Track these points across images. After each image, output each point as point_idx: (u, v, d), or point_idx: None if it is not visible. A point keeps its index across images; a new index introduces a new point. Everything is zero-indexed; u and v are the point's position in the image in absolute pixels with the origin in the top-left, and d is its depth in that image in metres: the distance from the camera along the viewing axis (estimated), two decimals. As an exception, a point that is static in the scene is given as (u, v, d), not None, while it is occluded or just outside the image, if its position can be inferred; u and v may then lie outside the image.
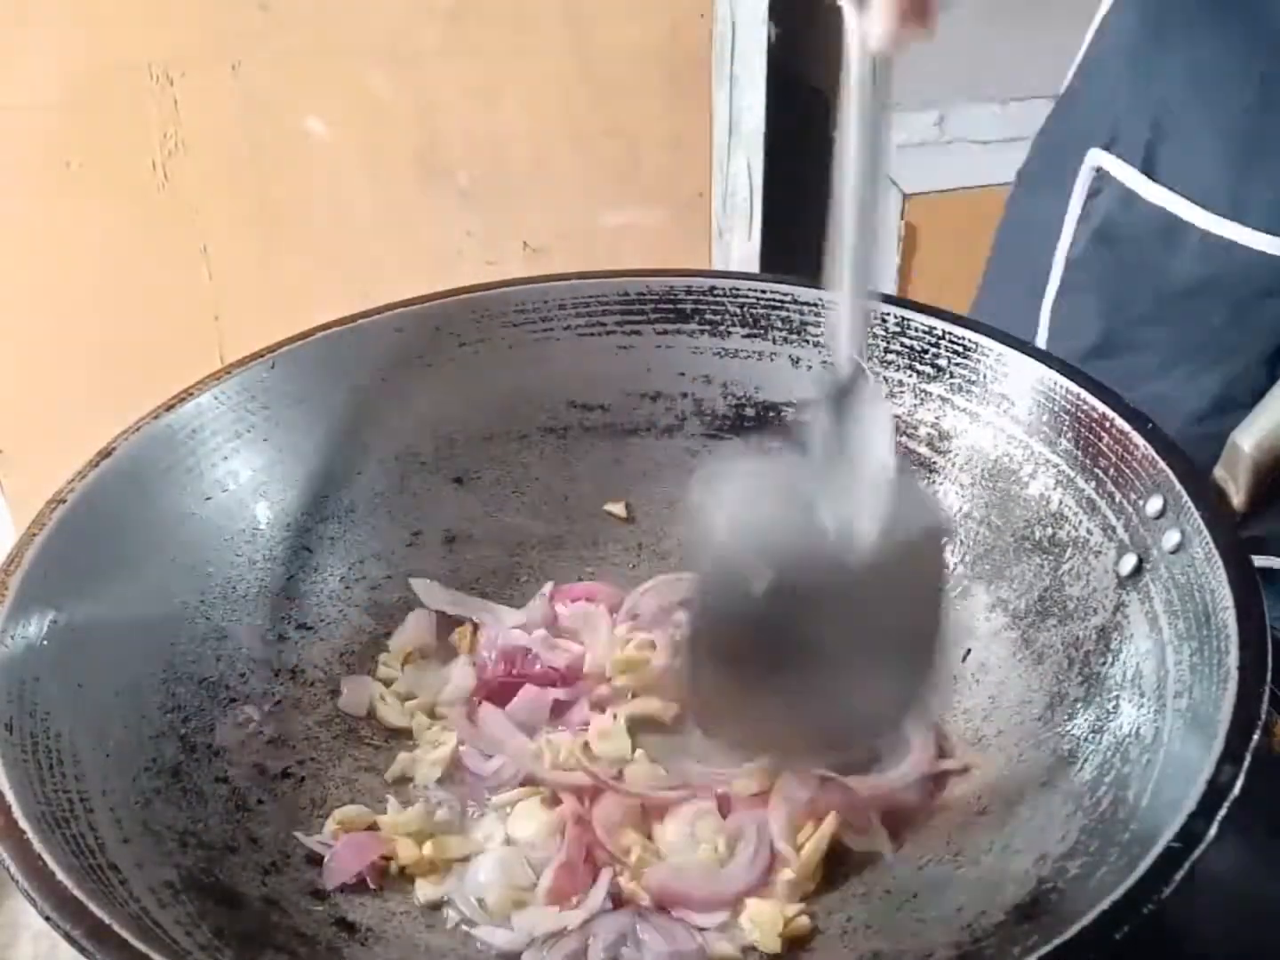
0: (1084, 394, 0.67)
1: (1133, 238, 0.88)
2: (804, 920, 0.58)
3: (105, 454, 0.66)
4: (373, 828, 0.63)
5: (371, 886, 0.60)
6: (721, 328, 0.78)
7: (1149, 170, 0.87)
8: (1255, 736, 0.49)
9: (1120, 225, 0.89)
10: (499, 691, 0.70)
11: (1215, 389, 0.86)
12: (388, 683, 0.71)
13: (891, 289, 1.83)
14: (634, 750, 0.67)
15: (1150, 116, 0.86)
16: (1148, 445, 0.63)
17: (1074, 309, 0.92)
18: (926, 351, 0.74)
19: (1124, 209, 0.89)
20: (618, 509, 0.79)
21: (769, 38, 1.62)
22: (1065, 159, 0.93)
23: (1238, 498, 0.59)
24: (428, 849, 0.61)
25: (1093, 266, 0.92)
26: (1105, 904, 0.45)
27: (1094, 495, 0.66)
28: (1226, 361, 0.85)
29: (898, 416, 0.75)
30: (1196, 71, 0.83)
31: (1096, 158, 0.90)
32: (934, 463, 0.74)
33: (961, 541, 0.73)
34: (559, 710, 0.70)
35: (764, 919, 0.58)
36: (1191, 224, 0.84)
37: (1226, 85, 0.82)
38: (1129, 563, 0.62)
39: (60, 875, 0.48)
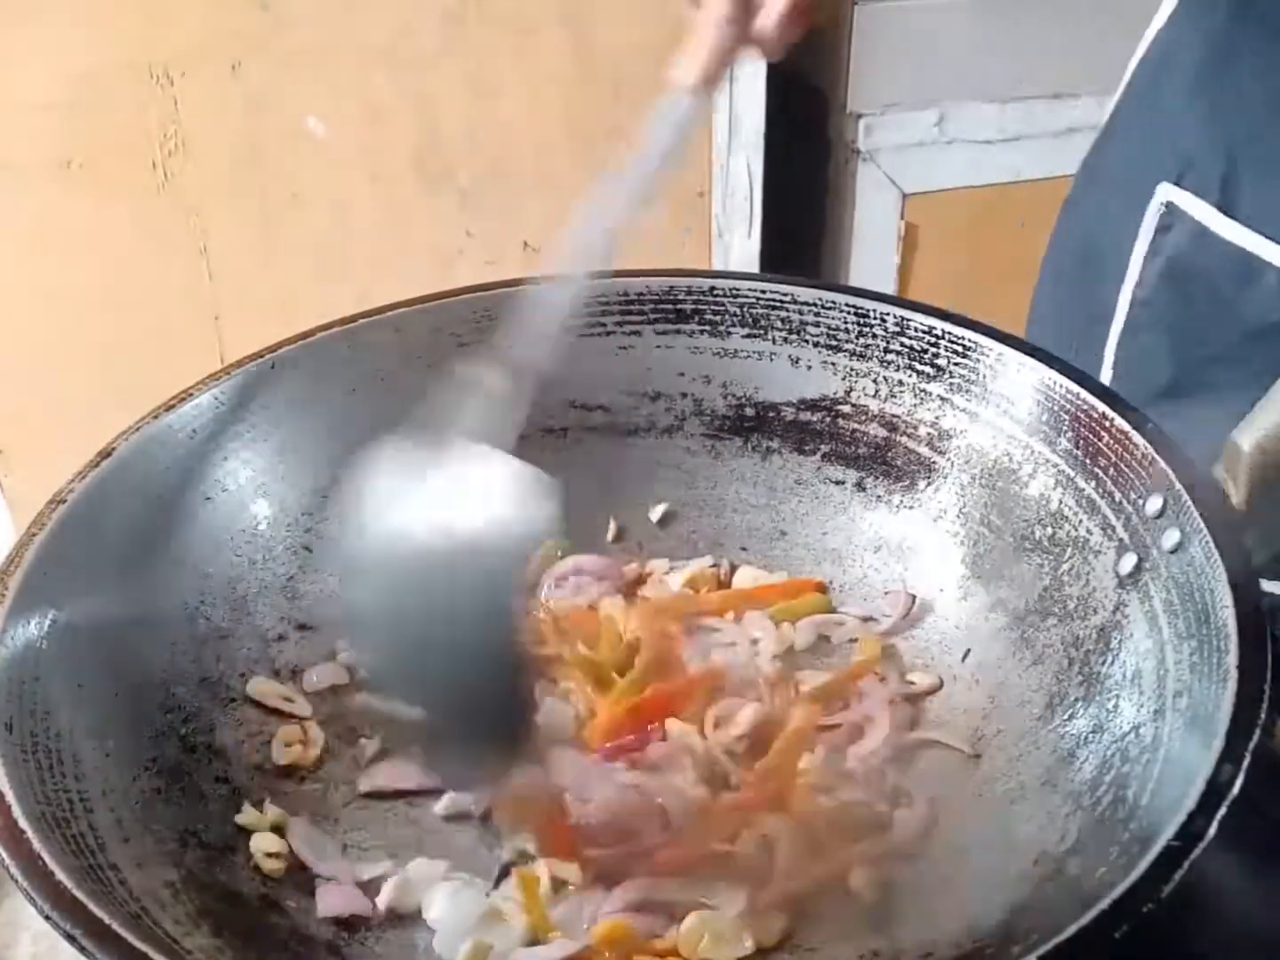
0: (1084, 393, 0.67)
1: (1206, 276, 0.84)
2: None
3: (105, 454, 0.66)
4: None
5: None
6: (721, 328, 0.78)
7: (1225, 206, 0.82)
8: (1255, 736, 0.49)
9: (1194, 263, 0.84)
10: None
11: None
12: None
13: (891, 289, 1.83)
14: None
15: (1224, 149, 0.81)
16: (1147, 445, 0.63)
17: (1143, 348, 0.88)
18: (926, 351, 0.74)
19: (1197, 246, 0.84)
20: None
21: (769, 38, 1.61)
22: (1127, 190, 0.88)
23: (1237, 497, 0.59)
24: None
25: (1162, 305, 0.87)
26: (1105, 903, 0.45)
27: (1094, 495, 0.66)
28: None
29: (897, 416, 0.75)
30: (1266, 104, 0.79)
31: (1166, 192, 0.85)
32: (934, 462, 0.74)
33: (962, 542, 0.73)
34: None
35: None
36: (1270, 263, 0.79)
37: None
38: (1129, 562, 0.62)
39: (60, 875, 0.48)
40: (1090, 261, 0.94)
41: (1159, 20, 0.88)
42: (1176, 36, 0.86)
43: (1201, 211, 0.82)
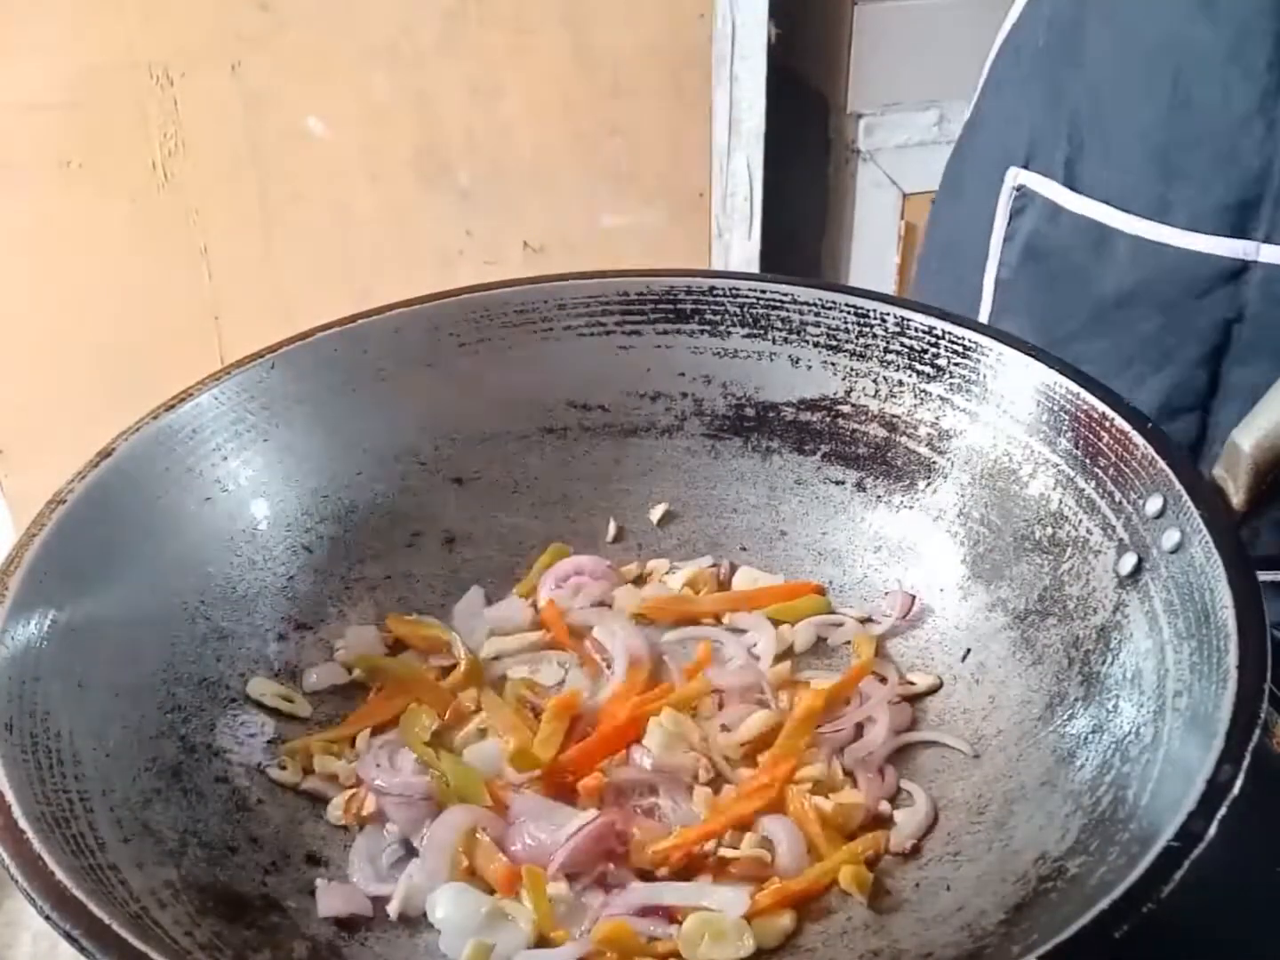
0: (1083, 393, 0.67)
1: (1061, 251, 0.88)
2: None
3: (105, 454, 0.66)
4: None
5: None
6: (721, 328, 0.78)
7: (1071, 183, 0.87)
8: (1255, 736, 0.49)
9: (1048, 240, 0.89)
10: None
11: (1157, 397, 0.86)
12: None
13: (891, 289, 1.83)
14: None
15: (1067, 129, 0.87)
16: (1147, 445, 0.63)
17: (1009, 329, 0.91)
18: (926, 351, 0.74)
19: (1050, 223, 0.89)
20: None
21: (769, 38, 1.62)
22: (983, 179, 0.93)
23: (1237, 498, 0.59)
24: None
25: (1022, 285, 0.92)
26: (1105, 903, 0.45)
27: (1094, 495, 0.66)
28: (1165, 368, 0.86)
29: (897, 416, 0.75)
30: (1109, 81, 0.84)
31: (1016, 176, 0.90)
32: (934, 462, 0.74)
33: (962, 542, 0.73)
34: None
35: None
36: (1119, 230, 0.84)
37: (1139, 90, 0.82)
38: (1129, 562, 0.62)
39: (60, 875, 0.48)
40: (954, 251, 1.00)
41: (1013, 14, 0.94)
42: (1023, 26, 0.92)
43: (1050, 190, 0.88)
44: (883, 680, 0.69)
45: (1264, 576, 0.57)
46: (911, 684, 0.70)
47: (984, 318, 0.94)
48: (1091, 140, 0.86)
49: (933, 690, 0.70)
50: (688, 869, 0.60)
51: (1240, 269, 0.83)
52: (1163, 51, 0.81)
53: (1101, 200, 0.85)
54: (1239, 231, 0.82)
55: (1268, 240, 0.81)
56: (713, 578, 0.77)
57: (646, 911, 0.58)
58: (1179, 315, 0.84)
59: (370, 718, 0.68)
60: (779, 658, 0.71)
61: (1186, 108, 0.81)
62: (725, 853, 0.60)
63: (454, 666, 0.70)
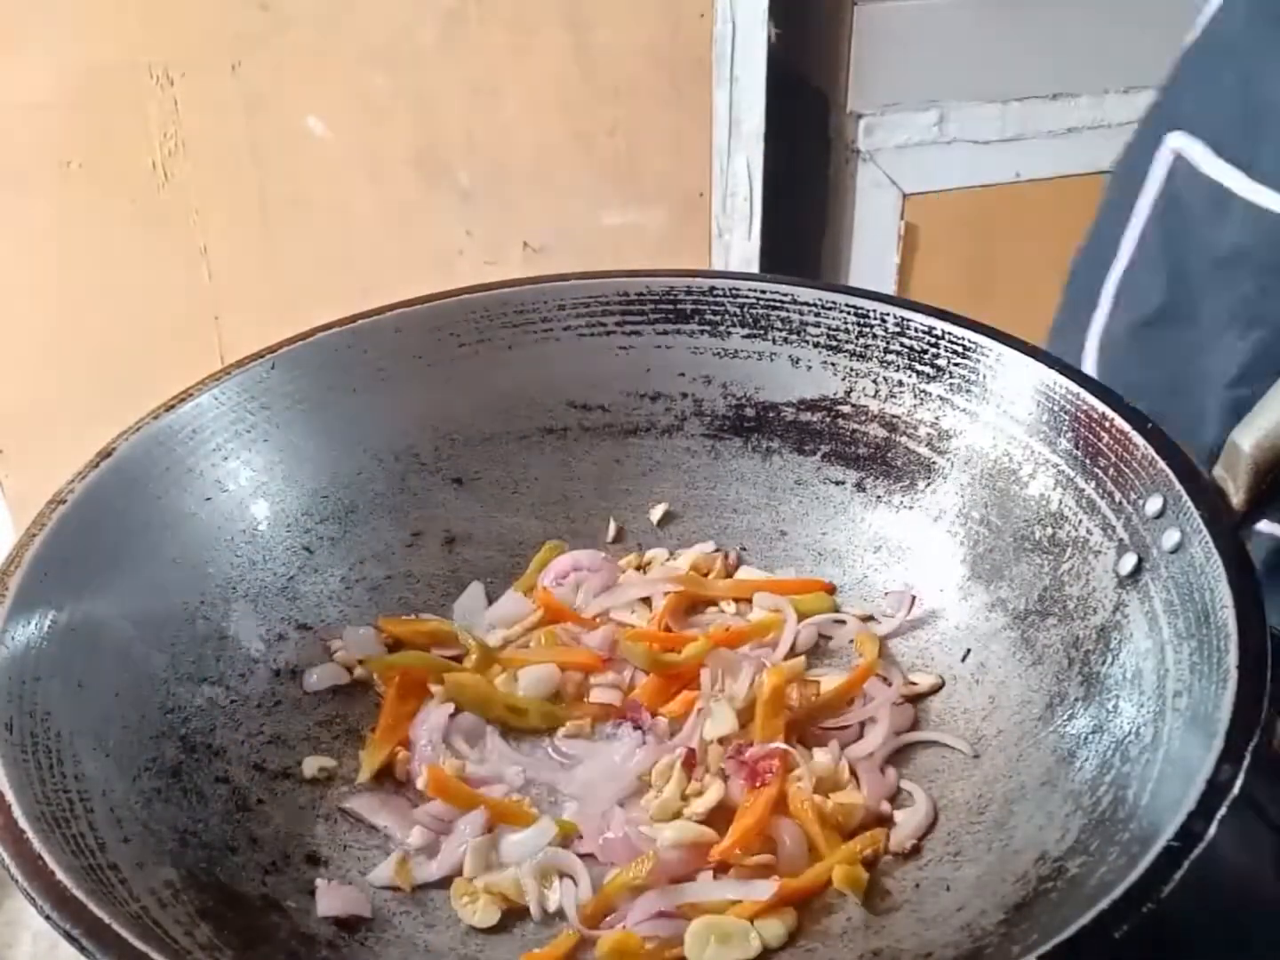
0: (1084, 394, 0.67)
1: (1191, 209, 0.91)
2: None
3: (105, 454, 0.66)
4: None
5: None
6: (721, 328, 0.78)
7: (1216, 147, 0.89)
8: (1255, 736, 0.49)
9: (1184, 197, 0.92)
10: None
11: (1244, 357, 0.87)
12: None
13: (891, 289, 1.83)
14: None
15: (1223, 99, 0.89)
16: (1147, 445, 0.63)
17: (1142, 281, 0.96)
18: (926, 351, 0.74)
19: (1188, 182, 0.91)
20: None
21: (769, 38, 1.62)
22: (1146, 142, 0.96)
23: (1237, 497, 0.59)
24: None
25: (1159, 239, 0.95)
26: (1105, 903, 0.45)
27: (1094, 495, 0.66)
28: (1256, 329, 0.87)
29: (897, 416, 0.75)
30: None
31: (1175, 140, 0.92)
32: (934, 463, 0.74)
33: (962, 542, 0.73)
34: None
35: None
36: (1237, 194, 0.86)
37: None
38: (1129, 562, 0.62)
39: (60, 875, 0.48)
40: (1109, 207, 1.02)
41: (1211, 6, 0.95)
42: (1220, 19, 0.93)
43: (1195, 151, 0.90)
44: (887, 682, 0.69)
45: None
46: (914, 684, 0.70)
47: (1119, 268, 0.98)
48: (1242, 112, 0.88)
49: (934, 690, 0.70)
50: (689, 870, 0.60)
51: None
52: None
53: (1233, 163, 0.87)
54: None
55: None
56: (719, 560, 0.77)
57: (659, 914, 0.58)
58: (1273, 279, 0.85)
59: (396, 716, 0.68)
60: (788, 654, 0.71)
61: None
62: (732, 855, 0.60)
63: (461, 657, 0.71)
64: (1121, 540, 0.63)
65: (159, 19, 1.43)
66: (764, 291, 0.77)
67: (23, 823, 0.49)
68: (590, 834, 0.62)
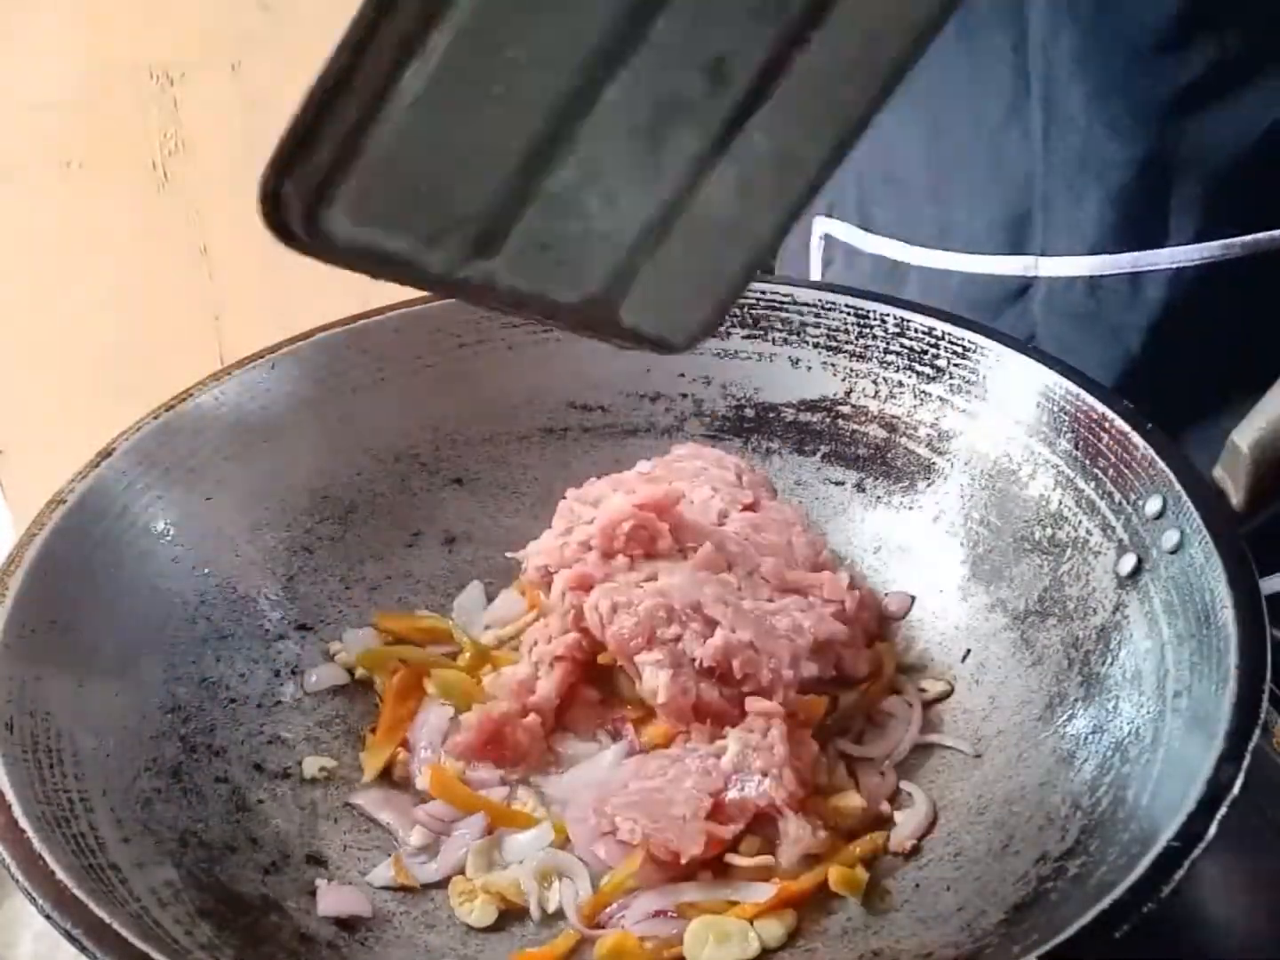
0: (1083, 394, 0.67)
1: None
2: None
3: (105, 454, 0.66)
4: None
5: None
6: (721, 328, 0.78)
7: (865, 224, 0.91)
8: (1255, 736, 0.49)
9: (850, 280, 0.91)
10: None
11: None
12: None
13: (891, 289, 1.82)
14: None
15: (856, 178, 0.90)
16: (1147, 445, 0.63)
17: None
18: (926, 352, 0.74)
19: (849, 265, 0.93)
20: None
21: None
22: (798, 233, 0.96)
23: (1237, 498, 0.59)
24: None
25: None
26: (1105, 903, 0.45)
27: (1093, 495, 0.66)
28: None
29: (897, 417, 0.75)
30: (899, 130, 0.85)
31: (822, 225, 0.94)
32: (934, 463, 0.74)
33: (962, 542, 0.73)
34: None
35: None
36: (907, 263, 0.87)
37: (904, 121, 0.84)
38: (1128, 563, 0.62)
39: (60, 875, 0.48)
40: None
41: None
42: None
43: (850, 234, 0.92)
44: (902, 695, 0.69)
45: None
46: (923, 690, 0.70)
47: None
48: (878, 188, 0.89)
49: (943, 697, 0.69)
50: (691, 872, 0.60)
51: (1024, 287, 0.84)
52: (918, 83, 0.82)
53: (890, 237, 0.89)
54: (1016, 248, 0.83)
55: (1044, 254, 0.82)
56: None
57: (657, 913, 0.58)
58: None
59: (396, 717, 0.68)
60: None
61: (944, 133, 0.83)
62: (731, 859, 0.60)
63: (456, 654, 0.71)
64: (1121, 541, 0.63)
65: (159, 19, 1.43)
66: (764, 292, 0.77)
67: (23, 822, 0.49)
68: (579, 837, 0.62)
